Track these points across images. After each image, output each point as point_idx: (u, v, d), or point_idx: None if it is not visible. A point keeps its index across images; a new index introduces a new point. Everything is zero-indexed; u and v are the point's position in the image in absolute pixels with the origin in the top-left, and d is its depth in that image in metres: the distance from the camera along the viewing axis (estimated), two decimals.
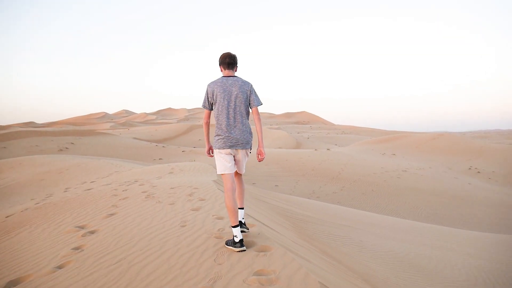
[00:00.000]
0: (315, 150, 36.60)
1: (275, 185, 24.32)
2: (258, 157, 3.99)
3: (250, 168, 27.03)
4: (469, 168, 35.46)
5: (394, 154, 40.80)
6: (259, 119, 3.99)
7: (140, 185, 8.11)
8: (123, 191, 7.56)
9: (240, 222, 3.93)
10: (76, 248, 4.28)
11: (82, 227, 5.17)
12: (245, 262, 3.28)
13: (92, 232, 4.79)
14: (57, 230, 5.31)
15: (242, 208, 4.03)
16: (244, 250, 3.59)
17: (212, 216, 4.86)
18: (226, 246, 3.72)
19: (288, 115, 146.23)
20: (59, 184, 15.80)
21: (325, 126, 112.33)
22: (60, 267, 3.83)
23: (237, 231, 3.64)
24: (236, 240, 3.62)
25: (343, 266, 5.12)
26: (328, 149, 38.98)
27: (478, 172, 34.00)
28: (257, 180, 24.97)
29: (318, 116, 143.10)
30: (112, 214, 5.52)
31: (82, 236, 4.69)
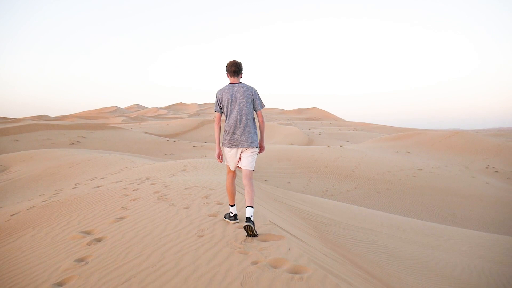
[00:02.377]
0: (328, 147, 35.92)
1: (288, 182, 23.76)
2: (259, 150, 4.51)
3: (262, 165, 26.50)
4: (487, 167, 34.46)
5: (409, 152, 39.91)
6: (262, 121, 4.53)
7: (152, 184, 7.60)
8: (133, 190, 7.06)
9: (249, 218, 3.97)
10: (80, 260, 3.77)
11: (88, 233, 4.67)
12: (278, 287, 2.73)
13: (98, 240, 4.28)
14: (61, 235, 4.82)
15: (251, 207, 4.07)
16: (237, 223, 4.45)
17: (233, 224, 4.31)
18: (224, 218, 4.59)
19: (299, 111, 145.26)
20: (69, 179, 15.42)
21: (336, 122, 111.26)
22: (60, 284, 3.32)
23: (233, 209, 4.53)
24: (231, 215, 4.53)
25: (378, 282, 4.55)
26: (341, 146, 38.27)
27: (496, 171, 32.98)
28: (269, 177, 24.44)
29: (329, 112, 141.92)
30: (121, 218, 5.01)
31: (88, 244, 4.18)
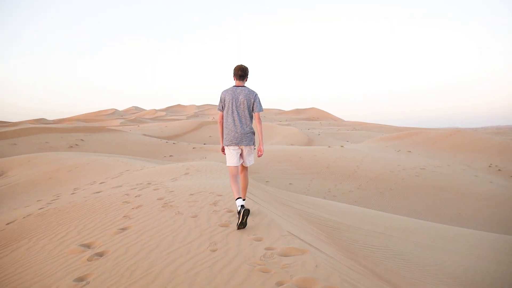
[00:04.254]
0: (329, 147, 35.53)
1: (289, 183, 23.36)
2: (258, 153, 4.80)
3: (263, 166, 26.10)
4: (489, 166, 34.10)
5: (410, 151, 39.55)
6: (259, 122, 4.83)
7: (154, 189, 7.20)
8: (135, 196, 6.65)
9: (243, 206, 4.38)
10: (80, 279, 3.36)
11: (88, 246, 4.26)
12: None
13: (100, 255, 3.88)
14: (59, 249, 4.41)
15: (244, 199, 4.70)
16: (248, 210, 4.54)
17: (248, 236, 3.92)
18: (238, 214, 4.56)
19: (297, 111, 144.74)
20: (67, 183, 15.01)
21: (335, 122, 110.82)
22: None
23: (238, 201, 4.56)
24: (239, 209, 4.46)
25: None
26: (342, 146, 37.87)
27: (499, 170, 32.60)
28: (271, 178, 24.04)
29: (327, 112, 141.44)
30: (124, 229, 4.61)
31: (88, 260, 3.77)
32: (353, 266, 4.22)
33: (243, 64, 4.78)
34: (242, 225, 4.27)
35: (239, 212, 4.35)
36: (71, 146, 35.09)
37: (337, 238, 7.49)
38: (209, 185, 7.18)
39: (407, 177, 24.97)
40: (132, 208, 5.65)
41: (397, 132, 59.95)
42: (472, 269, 7.53)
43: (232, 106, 4.68)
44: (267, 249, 3.50)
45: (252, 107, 4.75)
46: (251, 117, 4.79)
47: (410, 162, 29.48)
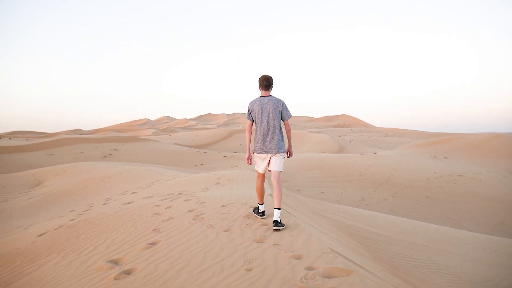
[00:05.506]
0: (361, 154, 34.70)
1: (321, 192, 22.82)
2: (287, 155, 5.04)
3: (293, 174, 25.67)
4: None
5: (446, 158, 38.11)
6: (289, 130, 5.01)
7: (185, 200, 6.98)
8: (166, 208, 6.44)
9: (276, 221, 4.53)
10: None
11: (116, 262, 4.04)
12: None
13: (127, 273, 3.64)
14: (86, 264, 4.21)
15: (279, 209, 4.62)
16: (265, 218, 4.98)
17: (285, 253, 3.58)
18: (253, 213, 5.16)
19: (328, 118, 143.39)
20: (100, 193, 15.13)
21: (366, 129, 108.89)
22: None
23: (261, 207, 5.04)
24: (260, 211, 5.04)
25: None
26: (375, 153, 36.93)
27: None
28: (302, 187, 23.58)
29: (358, 119, 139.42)
30: (153, 244, 4.37)
31: (115, 279, 3.54)
32: (403, 286, 3.81)
33: (267, 74, 4.91)
34: (278, 230, 4.49)
35: (261, 212, 4.95)
36: (105, 156, 35.80)
37: (377, 250, 7.04)
38: (241, 195, 6.90)
39: (444, 185, 23.93)
40: (162, 221, 5.42)
41: (430, 138, 58.19)
42: None
43: (261, 116, 4.81)
44: (308, 268, 3.15)
45: (282, 116, 4.89)
46: (280, 126, 4.92)
47: (447, 169, 28.33)
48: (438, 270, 6.86)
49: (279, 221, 4.51)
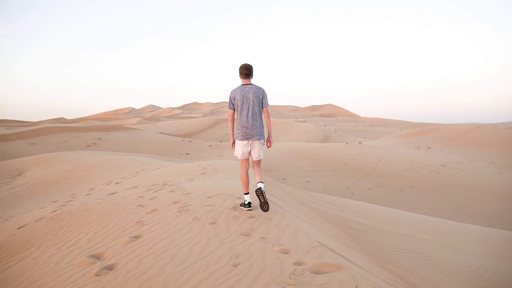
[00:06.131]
0: (346, 143, 34.86)
1: (307, 181, 22.87)
2: (267, 144, 5.17)
3: (279, 163, 25.67)
4: None
5: (430, 148, 38.57)
6: (268, 116, 5.10)
7: (170, 191, 6.83)
8: (150, 199, 6.30)
9: (261, 190, 4.83)
10: None
11: (97, 257, 3.90)
12: None
13: (109, 268, 3.51)
14: (66, 259, 4.06)
15: (261, 182, 4.93)
16: (251, 210, 4.94)
17: (273, 247, 3.49)
18: (240, 206, 5.11)
19: (313, 108, 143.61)
20: (84, 183, 14.85)
21: (352, 118, 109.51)
22: None
23: (247, 197, 5.05)
24: (246, 203, 5.03)
25: None
26: (360, 143, 37.15)
27: None
28: (287, 176, 23.59)
29: (344, 109, 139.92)
30: (136, 237, 4.24)
31: (96, 275, 3.40)
32: (390, 279, 3.77)
33: (247, 63, 5.03)
34: (266, 204, 4.81)
35: (247, 204, 4.95)
36: (89, 145, 35.23)
37: (364, 241, 7.03)
38: (227, 186, 6.79)
39: (428, 174, 24.23)
40: (146, 213, 5.28)
41: (415, 128, 58.76)
42: (510, 275, 6.96)
43: (243, 104, 4.96)
44: (297, 264, 3.06)
45: (262, 103, 5.04)
46: (261, 113, 5.08)
47: (431, 159, 28.66)
48: (423, 260, 6.89)
49: (263, 190, 4.83)
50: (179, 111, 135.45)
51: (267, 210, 4.84)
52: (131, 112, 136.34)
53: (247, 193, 5.06)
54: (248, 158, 5.14)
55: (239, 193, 5.96)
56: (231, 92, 5.08)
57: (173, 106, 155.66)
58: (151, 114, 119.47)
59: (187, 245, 3.74)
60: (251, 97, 4.95)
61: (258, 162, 5.14)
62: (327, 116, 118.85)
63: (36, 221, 7.16)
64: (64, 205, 9.08)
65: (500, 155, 35.30)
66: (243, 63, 5.04)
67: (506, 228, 15.61)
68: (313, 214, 7.35)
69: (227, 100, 5.25)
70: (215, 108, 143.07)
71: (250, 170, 7.47)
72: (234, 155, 5.14)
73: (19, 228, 6.96)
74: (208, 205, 5.27)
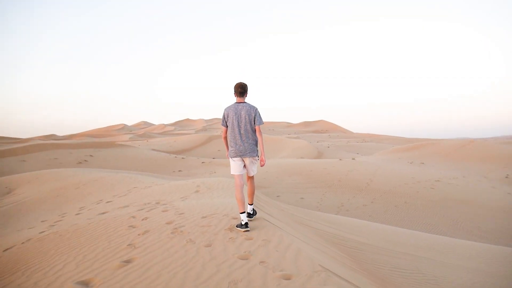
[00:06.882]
0: (340, 159, 34.78)
1: (301, 198, 22.64)
2: (260, 163, 5.12)
3: (273, 180, 25.44)
4: (506, 177, 32.99)
5: (423, 163, 38.65)
6: (260, 134, 5.14)
7: (163, 210, 6.60)
8: (142, 220, 6.06)
9: (249, 213, 5.26)
10: None
11: (86, 284, 3.66)
12: None
13: None
14: (52, 286, 3.82)
15: (251, 204, 5.32)
16: (248, 231, 4.81)
17: (273, 272, 3.28)
18: (236, 228, 4.96)
19: (306, 124, 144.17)
20: (74, 202, 14.51)
21: (344, 134, 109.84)
22: None
23: (243, 216, 4.91)
24: (243, 223, 4.88)
25: None
26: (353, 159, 37.08)
27: None
28: (281, 193, 23.36)
29: (336, 125, 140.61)
30: (127, 262, 4.01)
31: None
32: None
33: (242, 81, 5.15)
34: (247, 227, 4.83)
35: (244, 225, 4.82)
36: (80, 162, 34.78)
37: (364, 261, 6.82)
38: (222, 205, 6.58)
39: (422, 190, 24.15)
40: (138, 234, 5.05)
41: (407, 144, 58.95)
42: None
43: (235, 121, 5.04)
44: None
45: (254, 121, 5.09)
46: (253, 131, 5.14)
47: (424, 174, 28.65)
48: (425, 280, 6.69)
49: (251, 212, 5.27)
50: (172, 128, 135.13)
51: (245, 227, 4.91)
52: (123, 128, 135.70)
53: (243, 212, 4.97)
54: (242, 175, 5.19)
55: (234, 213, 5.76)
56: (225, 109, 5.17)
57: (165, 123, 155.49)
58: (144, 131, 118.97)
59: (182, 270, 3.52)
60: (244, 115, 5.04)
61: (252, 177, 5.30)
62: (319, 132, 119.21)
63: (23, 243, 6.87)
64: (53, 225, 8.79)
65: (493, 170, 35.41)
66: (238, 81, 5.14)
67: (501, 243, 15.48)
68: (310, 233, 7.14)
69: (220, 117, 5.44)
70: (208, 124, 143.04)
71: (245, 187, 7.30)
72: (231, 173, 5.22)
73: (5, 250, 6.67)
74: (203, 225, 5.06)
